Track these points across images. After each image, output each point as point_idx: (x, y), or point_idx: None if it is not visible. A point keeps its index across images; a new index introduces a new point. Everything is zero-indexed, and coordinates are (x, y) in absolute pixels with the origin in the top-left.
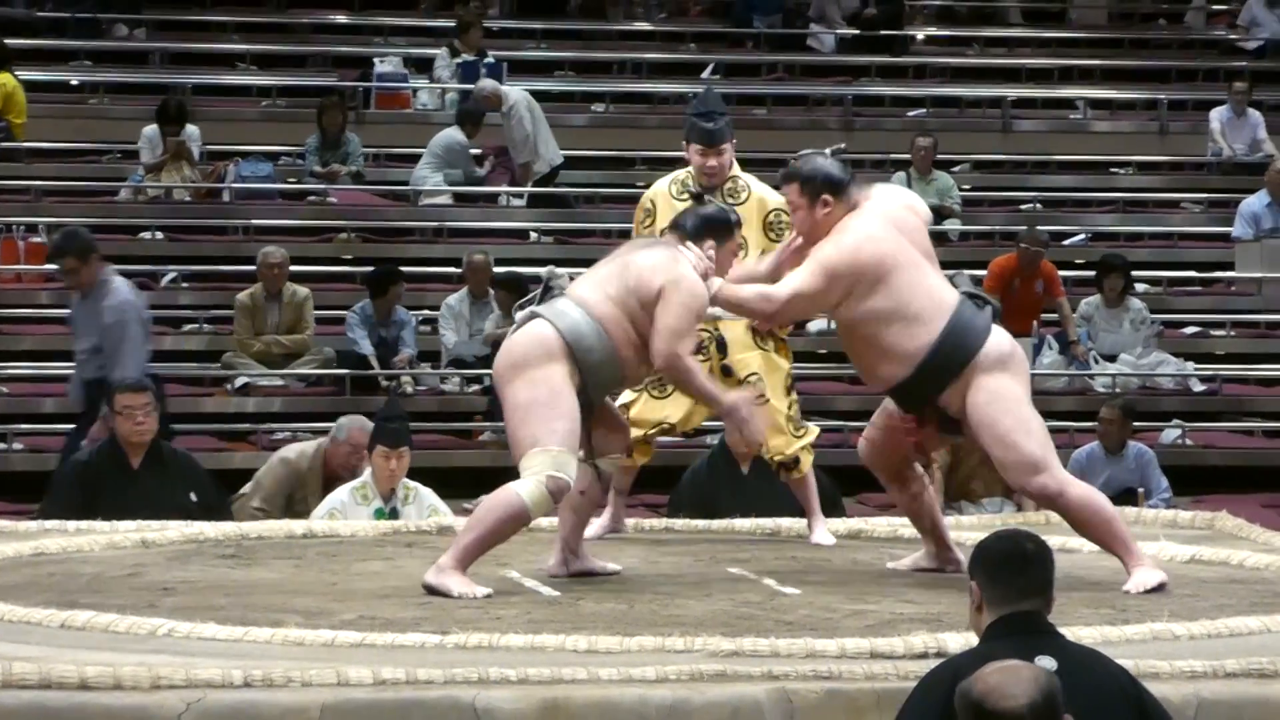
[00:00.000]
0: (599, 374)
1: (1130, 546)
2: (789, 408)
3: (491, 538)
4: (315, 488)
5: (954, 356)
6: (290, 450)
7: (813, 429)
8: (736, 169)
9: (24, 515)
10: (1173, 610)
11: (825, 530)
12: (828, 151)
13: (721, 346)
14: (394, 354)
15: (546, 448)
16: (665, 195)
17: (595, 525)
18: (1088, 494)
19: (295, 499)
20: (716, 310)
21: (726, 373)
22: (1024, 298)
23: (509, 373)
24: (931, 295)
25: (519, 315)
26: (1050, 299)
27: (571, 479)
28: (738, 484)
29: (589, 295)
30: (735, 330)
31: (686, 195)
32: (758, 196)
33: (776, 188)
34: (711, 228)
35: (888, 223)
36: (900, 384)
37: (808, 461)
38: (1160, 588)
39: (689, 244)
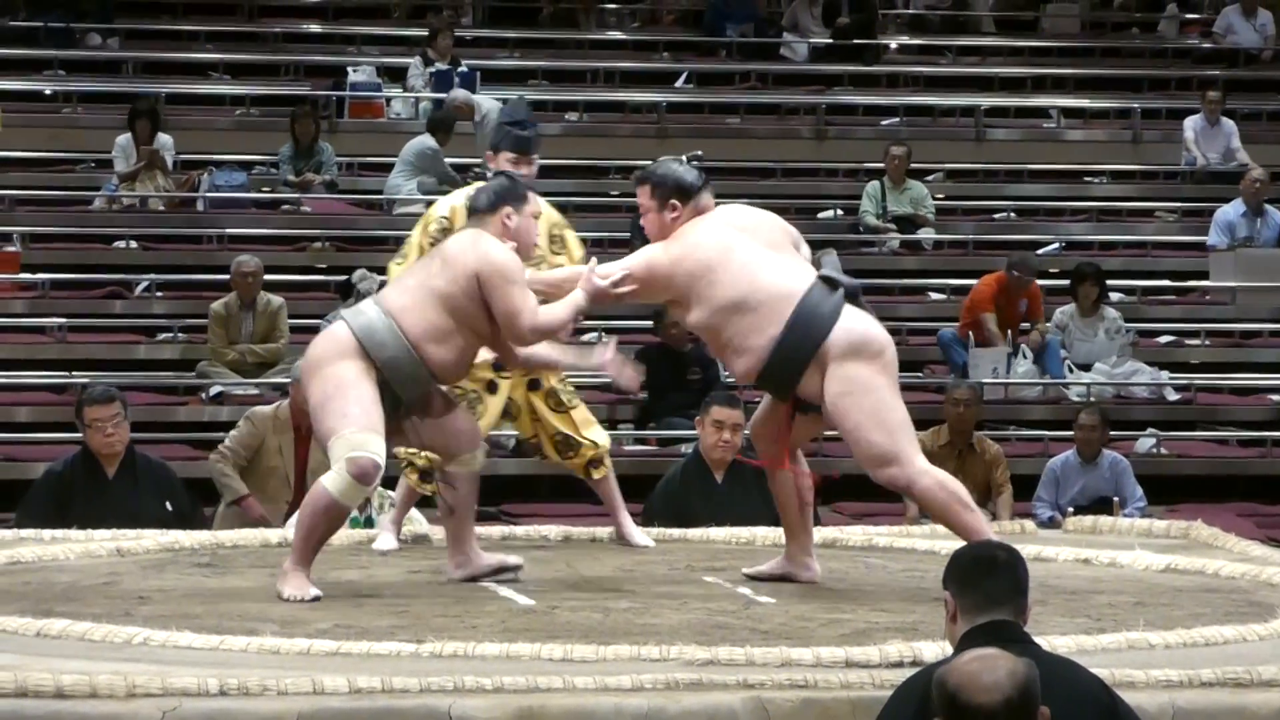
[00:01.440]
0: (397, 369)
1: (982, 533)
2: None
3: (313, 535)
4: (284, 433)
5: (800, 346)
6: (256, 409)
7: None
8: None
9: None
10: (1148, 619)
11: (634, 529)
12: (684, 158)
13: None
14: None
15: (340, 434)
16: (463, 209)
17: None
18: (938, 483)
19: (263, 450)
20: None
21: (533, 386)
22: (1005, 313)
23: (306, 375)
24: (775, 286)
25: (327, 318)
26: (1032, 317)
27: (374, 454)
28: (711, 492)
29: (388, 292)
30: None
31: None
32: (546, 214)
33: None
34: (504, 196)
35: (725, 225)
36: (759, 377)
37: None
38: None
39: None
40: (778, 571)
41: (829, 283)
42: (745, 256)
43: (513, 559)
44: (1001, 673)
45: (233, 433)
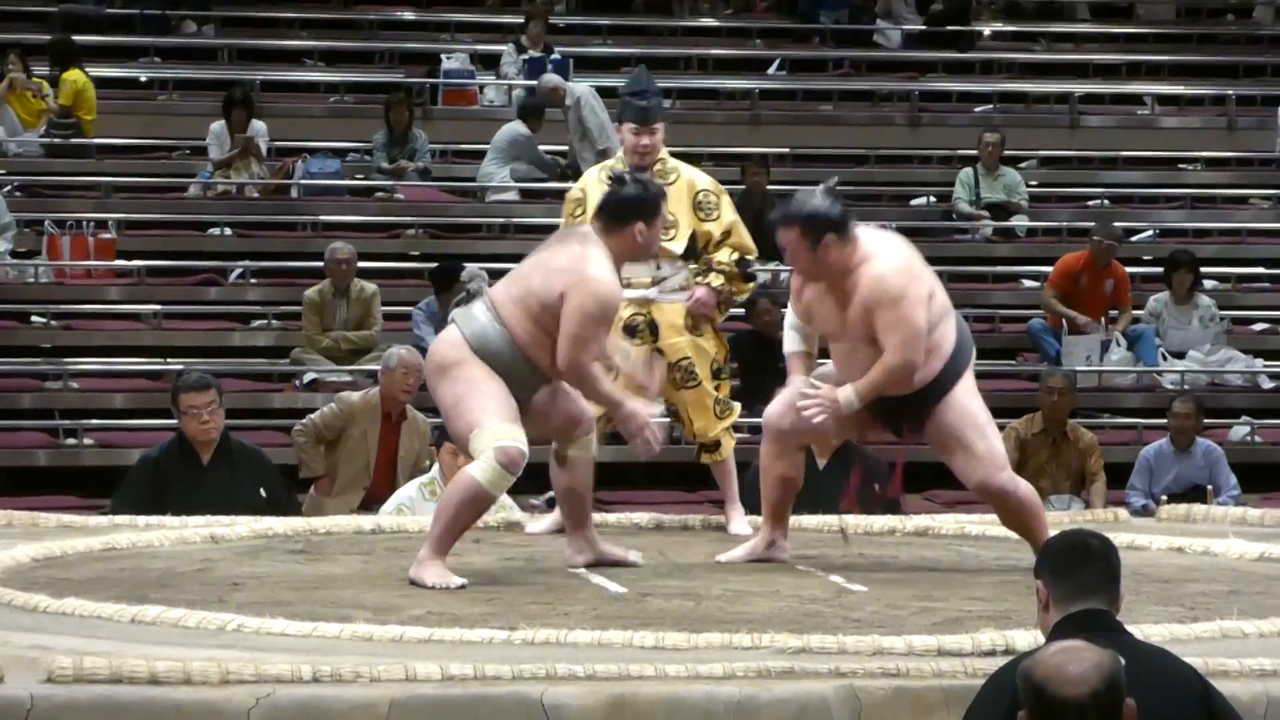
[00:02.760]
0: (511, 374)
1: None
2: (716, 390)
3: (457, 524)
4: (373, 421)
5: (965, 358)
6: (348, 393)
7: (735, 408)
8: (665, 152)
9: (95, 511)
10: (1242, 608)
11: (742, 520)
12: (821, 188)
13: (654, 330)
14: None
15: (484, 426)
16: (596, 182)
17: (546, 521)
18: None
19: (349, 434)
20: (650, 293)
21: (659, 354)
22: (1091, 294)
23: (434, 379)
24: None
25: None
26: (1118, 302)
27: (520, 442)
28: (811, 477)
29: (499, 297)
30: (668, 314)
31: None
32: (687, 178)
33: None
34: (638, 209)
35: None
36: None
37: (729, 445)
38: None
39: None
40: (757, 555)
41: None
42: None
43: (634, 555)
44: (1088, 665)
45: (321, 410)
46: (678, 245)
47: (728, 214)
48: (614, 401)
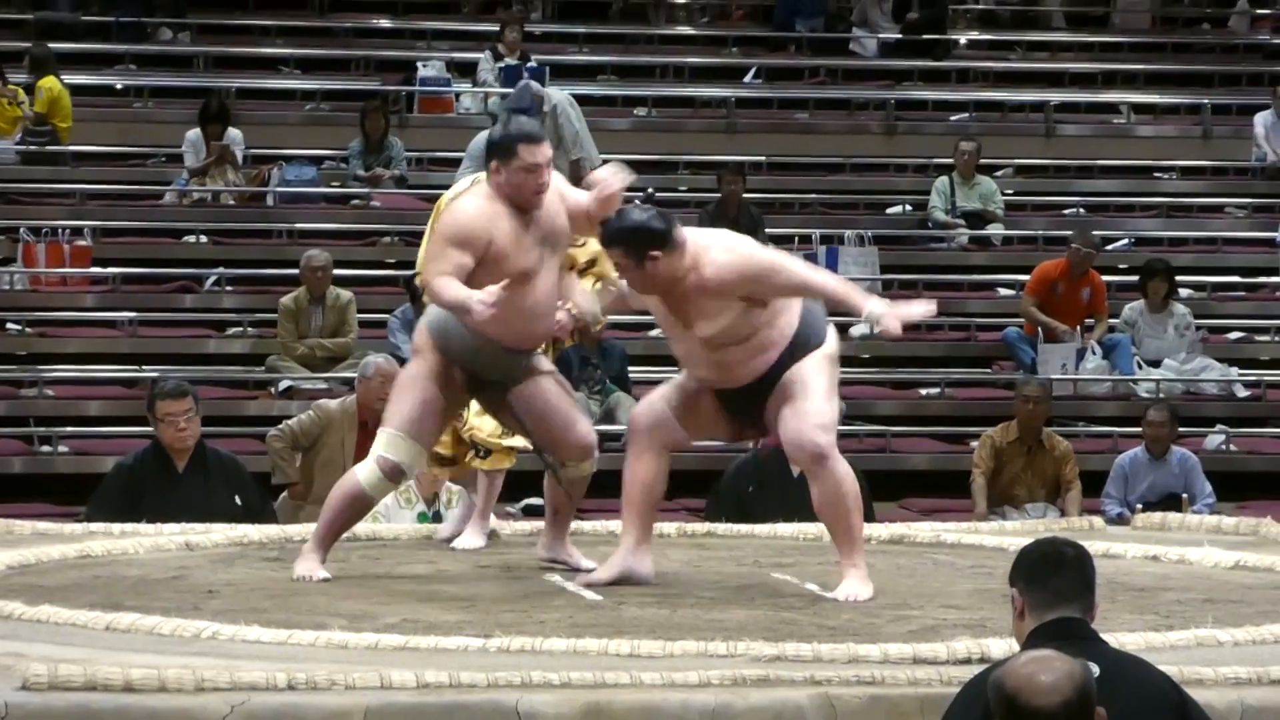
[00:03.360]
0: (476, 356)
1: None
2: None
3: (338, 520)
4: (348, 429)
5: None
6: (325, 401)
7: None
8: None
9: (69, 518)
10: (1217, 616)
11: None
12: (637, 201)
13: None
14: None
15: (385, 429)
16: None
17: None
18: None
19: (325, 442)
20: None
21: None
22: (1068, 302)
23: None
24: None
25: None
26: (1094, 311)
27: (400, 460)
28: (785, 484)
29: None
30: None
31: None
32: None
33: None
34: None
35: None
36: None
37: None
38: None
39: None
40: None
41: None
42: None
43: (587, 563)
44: (1060, 674)
45: (299, 416)
46: None
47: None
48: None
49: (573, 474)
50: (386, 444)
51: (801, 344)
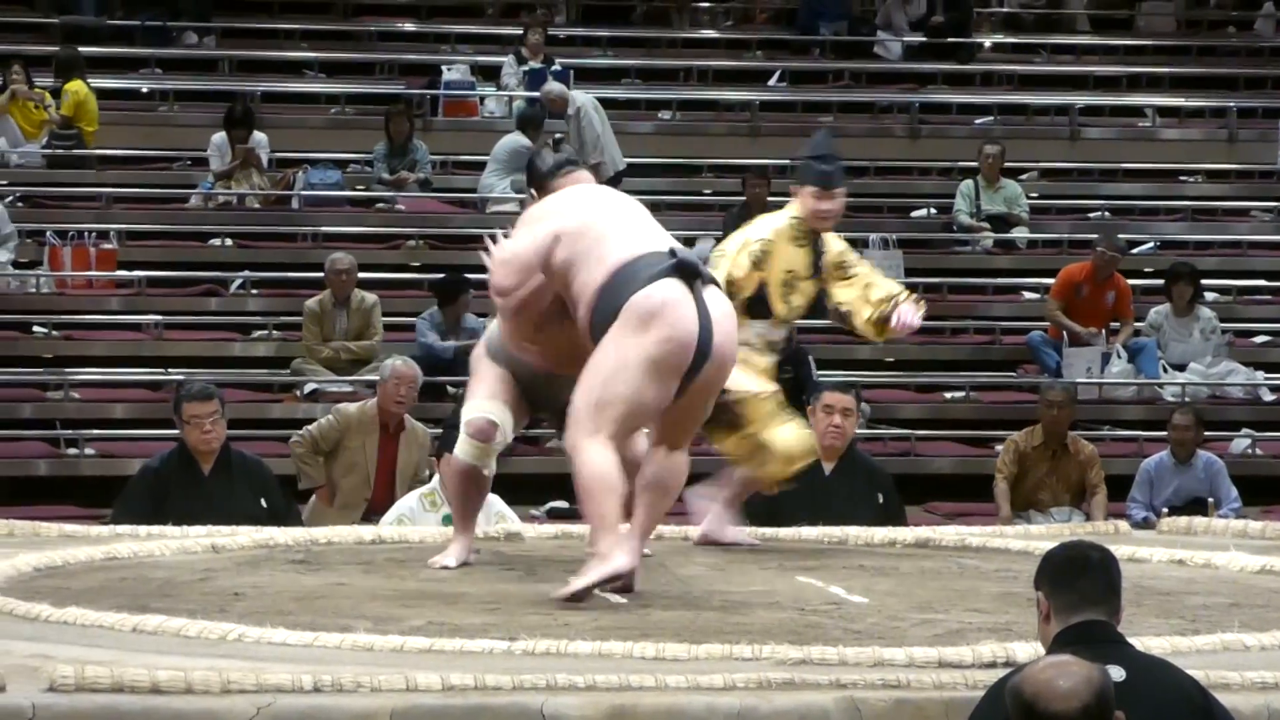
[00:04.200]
0: (519, 371)
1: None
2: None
3: (460, 503)
4: (370, 432)
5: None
6: (344, 406)
7: None
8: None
9: (95, 520)
10: (1243, 620)
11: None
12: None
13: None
14: (464, 363)
15: (465, 406)
16: (787, 230)
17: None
18: (593, 463)
19: (345, 446)
20: None
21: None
22: (1093, 305)
23: None
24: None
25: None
26: (1119, 314)
27: (488, 414)
28: (815, 483)
29: None
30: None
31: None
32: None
33: None
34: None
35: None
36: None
37: None
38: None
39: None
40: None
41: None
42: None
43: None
44: (1078, 679)
45: (319, 421)
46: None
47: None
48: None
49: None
50: (466, 413)
51: (602, 315)
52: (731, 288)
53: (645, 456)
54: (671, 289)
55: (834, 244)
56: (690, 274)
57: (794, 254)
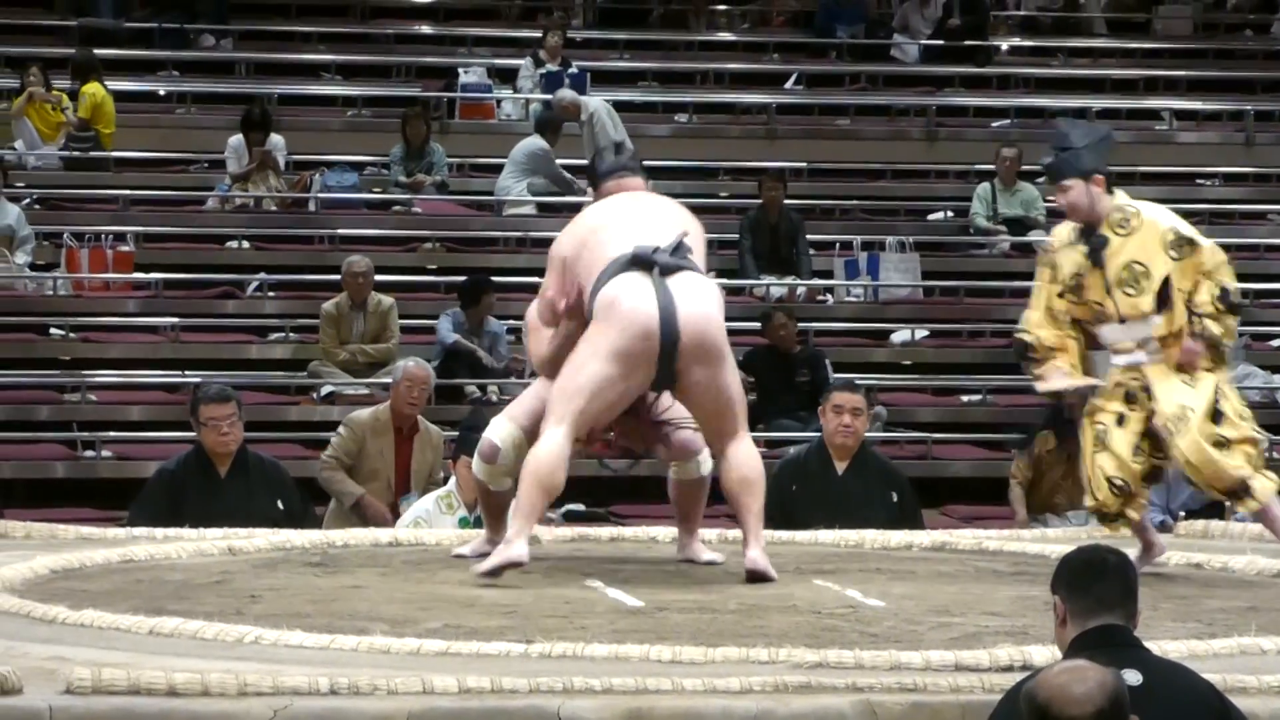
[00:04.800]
0: None
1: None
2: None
3: (481, 506)
4: (385, 435)
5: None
6: (355, 414)
7: (1252, 437)
8: (1121, 198)
9: (112, 522)
10: (1260, 624)
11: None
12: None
13: (1149, 392)
14: (484, 364)
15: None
16: (1067, 233)
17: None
18: (538, 456)
19: (364, 454)
20: (1138, 357)
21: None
22: None
23: None
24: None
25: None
26: None
27: (493, 434)
28: (829, 483)
29: None
30: (1158, 373)
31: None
32: (1149, 221)
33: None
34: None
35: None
36: None
37: (1265, 486)
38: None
39: None
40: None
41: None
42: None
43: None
44: (1092, 684)
45: (333, 439)
46: (1147, 300)
47: (1201, 247)
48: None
49: (683, 475)
50: (487, 429)
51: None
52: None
53: (719, 465)
54: (627, 281)
55: (1160, 223)
56: (646, 264)
57: (1070, 256)
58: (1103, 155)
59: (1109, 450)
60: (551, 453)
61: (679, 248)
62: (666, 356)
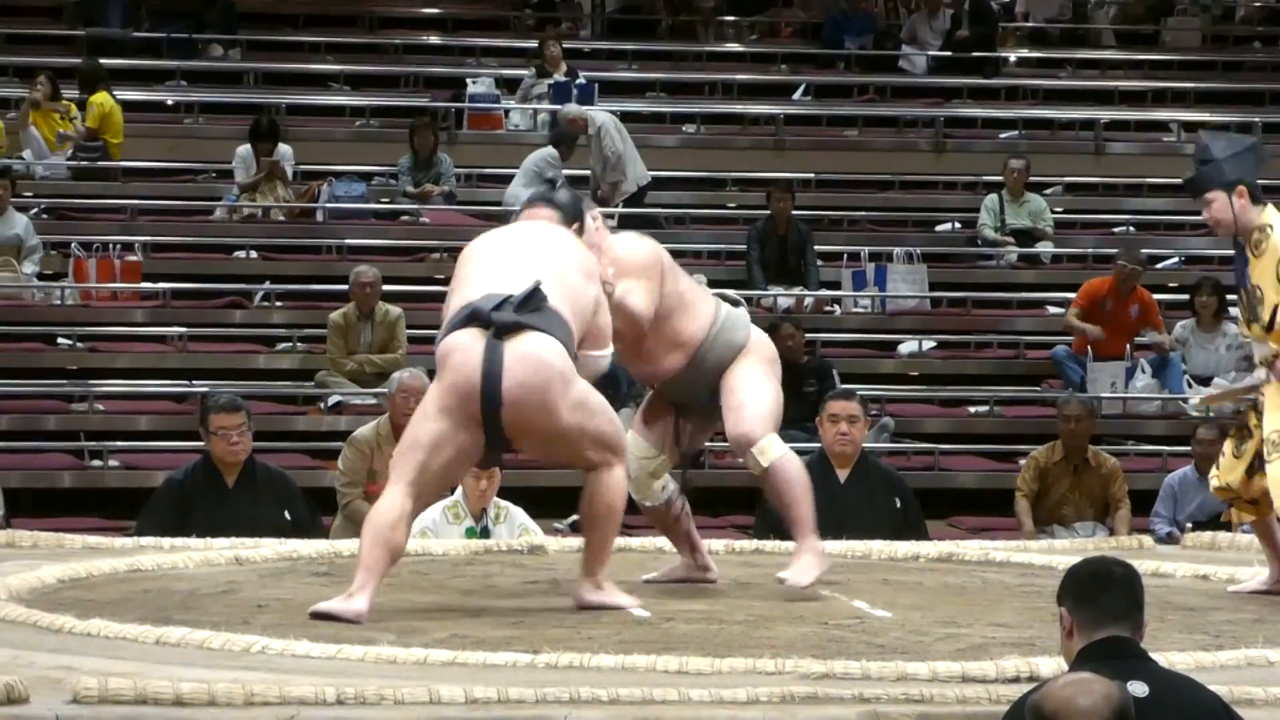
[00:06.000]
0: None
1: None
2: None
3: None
4: (389, 446)
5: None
6: (356, 433)
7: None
8: (1270, 214)
9: (119, 532)
10: (1267, 636)
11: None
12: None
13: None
14: None
15: None
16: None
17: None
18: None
19: (376, 471)
20: (1259, 375)
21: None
22: (1117, 319)
23: None
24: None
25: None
26: (1146, 327)
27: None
28: (834, 492)
29: None
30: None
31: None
32: (1273, 245)
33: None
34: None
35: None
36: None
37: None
38: None
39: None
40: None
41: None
42: None
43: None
44: (1098, 697)
45: (341, 466)
46: (1260, 325)
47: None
48: None
49: (752, 465)
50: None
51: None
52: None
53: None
54: (458, 339)
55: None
56: (482, 322)
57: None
58: (1248, 165)
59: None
60: (391, 511)
61: (531, 297)
62: (490, 422)
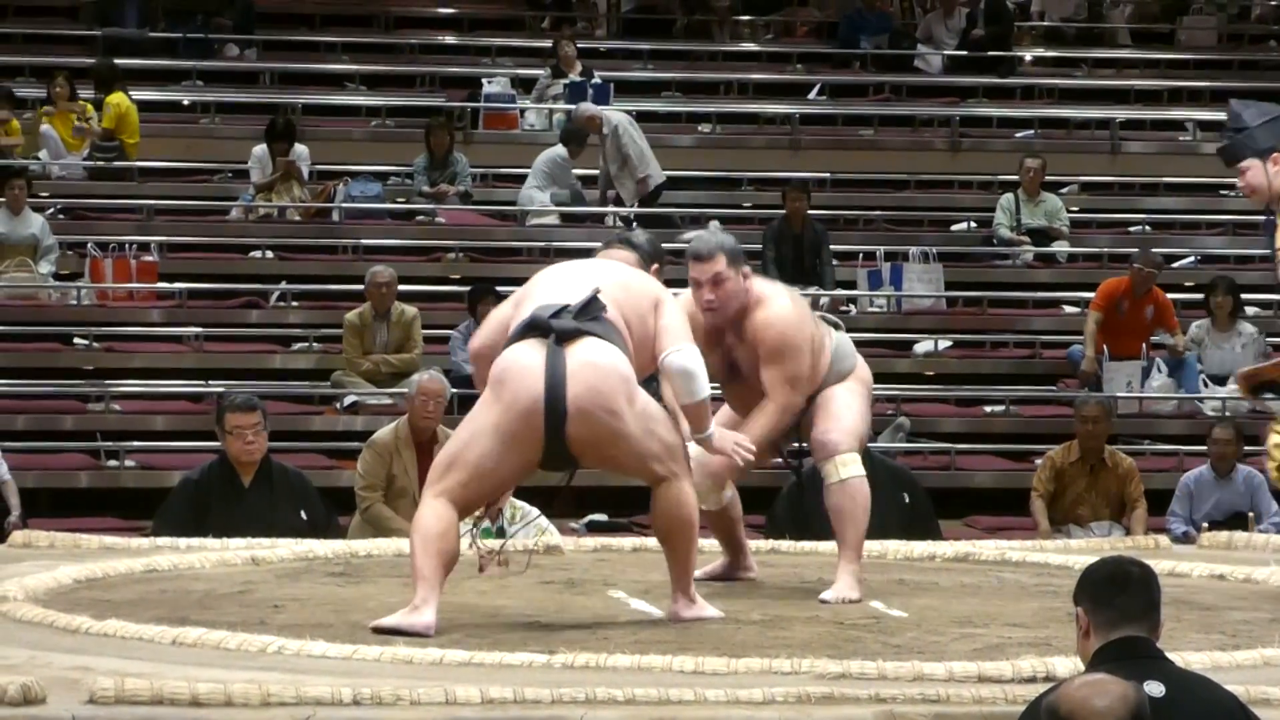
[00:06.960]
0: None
1: None
2: None
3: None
4: (409, 455)
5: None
6: (375, 436)
7: None
8: None
9: (136, 532)
10: None
11: None
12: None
13: None
14: None
15: None
16: None
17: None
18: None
19: (394, 474)
20: None
21: None
22: (1132, 320)
23: None
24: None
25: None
26: (1161, 327)
27: None
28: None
29: None
30: None
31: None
32: None
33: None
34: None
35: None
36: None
37: None
38: None
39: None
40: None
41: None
42: None
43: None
44: (1114, 697)
45: (360, 470)
46: None
47: None
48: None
49: (828, 473)
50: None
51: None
52: None
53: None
54: (518, 352)
55: None
56: (543, 332)
57: None
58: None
59: None
60: (439, 520)
61: (590, 305)
62: (553, 435)
